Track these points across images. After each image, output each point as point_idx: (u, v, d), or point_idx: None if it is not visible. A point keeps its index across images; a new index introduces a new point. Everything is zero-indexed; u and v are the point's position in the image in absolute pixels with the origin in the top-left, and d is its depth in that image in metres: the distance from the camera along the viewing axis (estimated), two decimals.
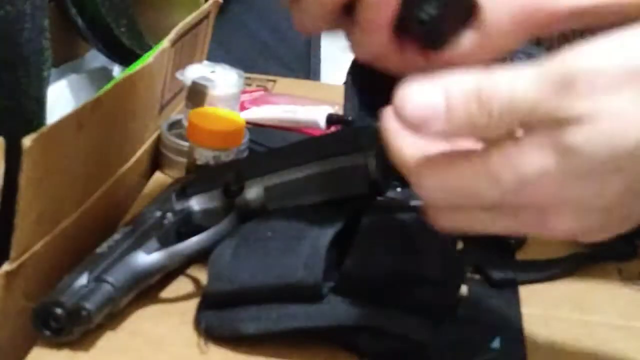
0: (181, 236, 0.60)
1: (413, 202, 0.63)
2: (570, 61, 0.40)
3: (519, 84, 0.40)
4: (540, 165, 0.40)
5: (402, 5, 0.51)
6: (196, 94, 0.76)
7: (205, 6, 0.88)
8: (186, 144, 0.73)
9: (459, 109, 0.40)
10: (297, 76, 1.09)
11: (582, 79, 0.39)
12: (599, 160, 0.39)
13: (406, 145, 0.45)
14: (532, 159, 0.40)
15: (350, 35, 0.53)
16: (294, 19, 0.54)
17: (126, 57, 0.94)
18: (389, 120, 0.45)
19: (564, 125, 0.39)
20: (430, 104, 0.41)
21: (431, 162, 0.43)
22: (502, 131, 0.41)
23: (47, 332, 0.52)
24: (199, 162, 0.71)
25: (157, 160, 0.79)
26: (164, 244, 0.58)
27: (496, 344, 0.56)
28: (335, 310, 0.54)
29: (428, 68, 0.48)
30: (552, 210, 0.41)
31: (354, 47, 0.54)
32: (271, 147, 0.70)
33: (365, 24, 0.51)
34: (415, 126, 0.41)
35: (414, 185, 0.44)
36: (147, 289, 0.58)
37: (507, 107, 0.40)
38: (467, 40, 0.51)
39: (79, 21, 0.92)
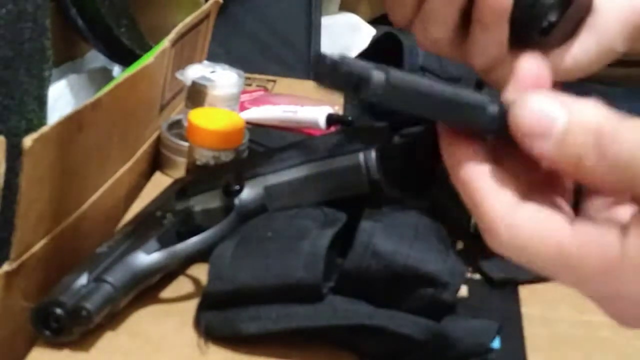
0: (181, 236, 0.60)
1: None
2: None
3: None
4: None
5: (517, 9, 0.49)
6: (196, 94, 0.76)
7: (206, 6, 0.88)
8: (186, 144, 0.73)
9: (576, 136, 0.36)
10: (297, 76, 1.09)
11: None
12: None
13: (498, 202, 0.38)
14: None
15: (470, 46, 0.52)
16: (417, 36, 0.53)
17: (126, 57, 0.94)
18: (477, 178, 0.39)
19: None
20: (549, 118, 0.37)
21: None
22: (604, 185, 0.36)
23: (47, 332, 0.52)
24: (199, 162, 0.71)
25: (157, 160, 0.79)
26: (164, 244, 0.58)
27: (496, 344, 0.56)
28: (335, 310, 0.54)
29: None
30: None
31: (475, 54, 0.52)
32: (271, 147, 0.70)
33: (486, 17, 0.50)
34: (527, 135, 0.37)
35: (493, 244, 0.39)
36: (147, 289, 0.58)
37: (624, 160, 0.35)
38: (584, 41, 0.51)
39: (79, 21, 0.92)
